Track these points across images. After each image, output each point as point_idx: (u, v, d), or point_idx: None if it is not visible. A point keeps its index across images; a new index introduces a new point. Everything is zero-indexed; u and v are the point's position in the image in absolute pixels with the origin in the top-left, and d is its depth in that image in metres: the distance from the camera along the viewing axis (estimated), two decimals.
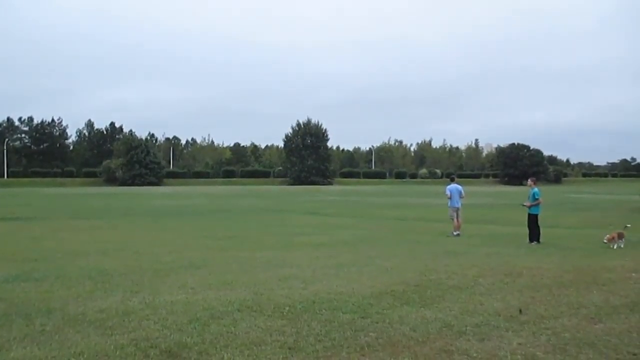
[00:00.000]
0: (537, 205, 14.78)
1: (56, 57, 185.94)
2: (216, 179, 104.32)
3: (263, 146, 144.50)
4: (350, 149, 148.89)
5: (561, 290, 7.77)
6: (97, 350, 5.00)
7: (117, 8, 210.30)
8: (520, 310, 6.49)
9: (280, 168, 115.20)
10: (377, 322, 5.96)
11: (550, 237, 15.03)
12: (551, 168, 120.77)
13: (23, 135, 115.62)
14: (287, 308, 6.51)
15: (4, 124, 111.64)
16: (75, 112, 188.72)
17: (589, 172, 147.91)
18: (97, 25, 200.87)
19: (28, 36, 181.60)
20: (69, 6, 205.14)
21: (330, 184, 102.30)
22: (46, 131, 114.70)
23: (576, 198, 47.50)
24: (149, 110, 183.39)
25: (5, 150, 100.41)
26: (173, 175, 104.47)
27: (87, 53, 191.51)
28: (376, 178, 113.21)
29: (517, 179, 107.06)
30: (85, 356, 4.84)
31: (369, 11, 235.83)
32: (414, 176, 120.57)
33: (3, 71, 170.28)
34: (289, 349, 5.06)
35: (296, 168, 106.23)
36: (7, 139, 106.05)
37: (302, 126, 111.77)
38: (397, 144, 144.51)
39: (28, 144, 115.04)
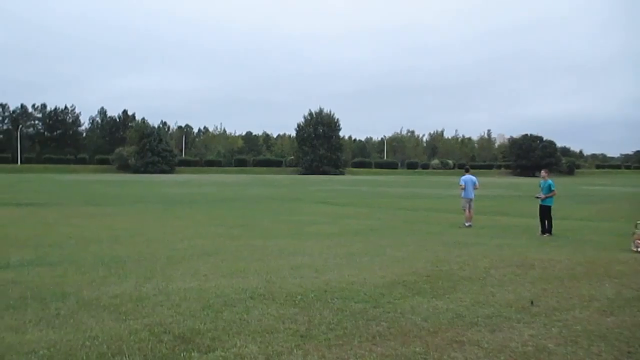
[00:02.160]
0: (551, 196, 14.68)
1: (70, 44, 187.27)
2: (228, 168, 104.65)
3: (275, 135, 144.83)
4: (362, 138, 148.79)
5: (573, 282, 7.74)
6: (112, 334, 5.07)
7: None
8: (532, 302, 6.48)
9: (292, 157, 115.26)
10: (388, 312, 5.98)
11: (562, 229, 14.94)
12: (564, 159, 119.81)
13: (37, 122, 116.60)
14: (299, 296, 6.55)
15: (18, 111, 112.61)
16: (89, 100, 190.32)
17: (602, 163, 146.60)
18: (112, 13, 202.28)
19: (42, 22, 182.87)
20: None
21: (341, 173, 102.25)
22: (59, 118, 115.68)
23: (589, 190, 47.09)
24: (162, 99, 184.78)
25: (19, 137, 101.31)
26: (185, 163, 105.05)
27: (101, 41, 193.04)
28: (388, 168, 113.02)
29: (529, 170, 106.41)
30: (99, 340, 4.90)
31: None
32: (425, 167, 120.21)
33: (17, 58, 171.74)
34: (301, 336, 5.09)
35: (308, 157, 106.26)
36: (20, 126, 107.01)
37: (314, 115, 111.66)
38: (409, 134, 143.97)
39: (41, 130, 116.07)
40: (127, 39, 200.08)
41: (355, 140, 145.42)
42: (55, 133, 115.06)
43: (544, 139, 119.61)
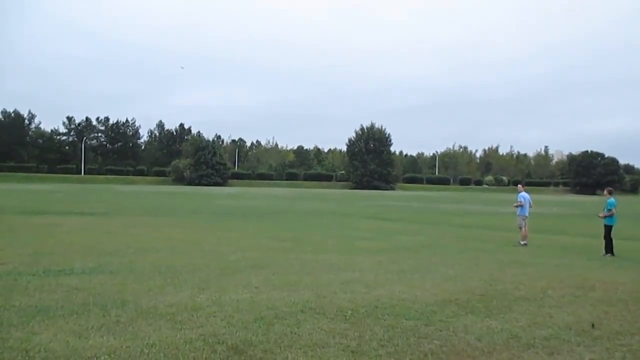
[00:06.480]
0: (611, 216, 14.11)
1: (133, 61, 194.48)
2: (279, 181, 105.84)
3: (326, 150, 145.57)
4: (414, 154, 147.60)
5: (637, 305, 7.40)
6: (168, 342, 5.20)
7: (193, 16, 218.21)
8: (593, 325, 6.23)
9: (343, 172, 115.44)
10: (441, 330, 5.88)
11: (625, 250, 14.30)
12: (627, 177, 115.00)
13: (100, 134, 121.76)
14: (350, 312, 6.54)
15: (83, 124, 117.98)
16: (148, 113, 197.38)
17: None
18: (174, 34, 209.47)
19: (110, 37, 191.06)
20: (147, 12, 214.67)
21: (392, 189, 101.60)
22: (120, 131, 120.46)
23: None
24: (218, 113, 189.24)
25: (83, 149, 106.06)
26: (238, 176, 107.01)
27: (160, 56, 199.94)
28: (440, 184, 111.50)
29: (589, 188, 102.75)
30: (157, 348, 5.05)
31: (447, 13, 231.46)
32: (479, 183, 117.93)
33: (86, 72, 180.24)
34: (352, 352, 5.08)
35: (358, 172, 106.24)
36: (85, 138, 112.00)
37: (366, 130, 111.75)
38: (461, 150, 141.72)
39: (104, 142, 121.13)
40: (188, 56, 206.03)
41: (406, 155, 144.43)
42: (116, 145, 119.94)
43: (606, 156, 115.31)
